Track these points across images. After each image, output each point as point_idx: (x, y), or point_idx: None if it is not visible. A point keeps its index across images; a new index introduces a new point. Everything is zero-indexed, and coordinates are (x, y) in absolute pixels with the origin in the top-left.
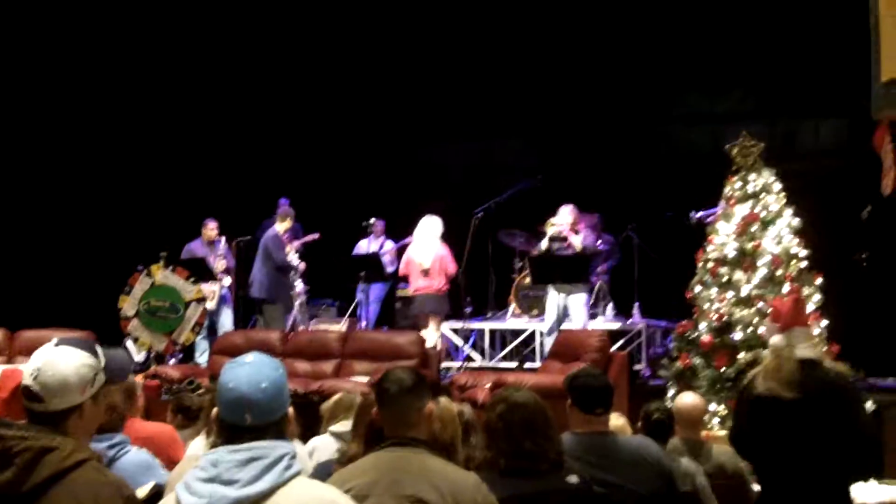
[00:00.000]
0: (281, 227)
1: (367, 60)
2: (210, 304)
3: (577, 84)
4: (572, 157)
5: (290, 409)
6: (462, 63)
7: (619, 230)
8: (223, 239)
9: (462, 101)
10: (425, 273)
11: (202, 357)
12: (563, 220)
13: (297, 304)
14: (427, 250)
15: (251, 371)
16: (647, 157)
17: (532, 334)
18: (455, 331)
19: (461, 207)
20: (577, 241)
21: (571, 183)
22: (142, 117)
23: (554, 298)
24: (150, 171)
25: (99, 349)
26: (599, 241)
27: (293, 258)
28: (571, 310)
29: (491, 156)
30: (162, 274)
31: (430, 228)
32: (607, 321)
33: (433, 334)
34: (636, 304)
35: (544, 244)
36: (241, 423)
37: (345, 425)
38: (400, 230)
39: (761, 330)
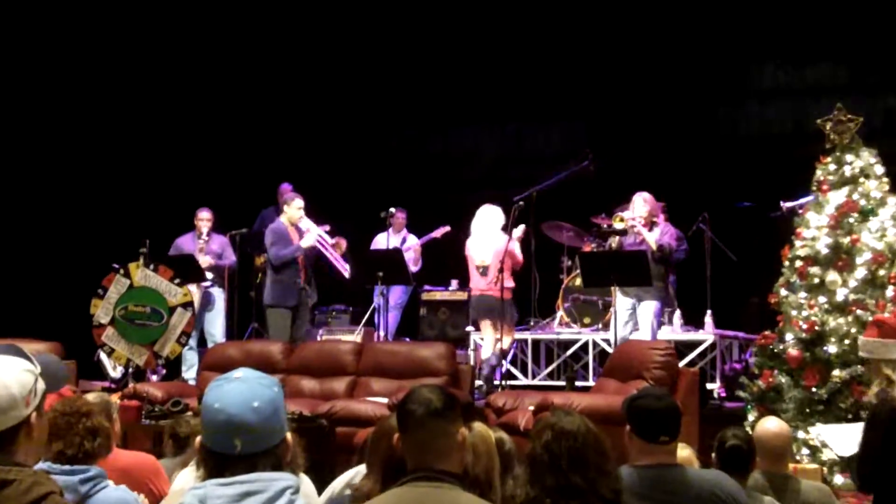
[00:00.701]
0: (290, 211)
1: (383, 28)
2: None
3: (632, 52)
4: (628, 138)
5: (289, 435)
6: (493, 30)
7: (688, 222)
8: (203, 232)
9: (493, 76)
10: (484, 272)
11: (190, 372)
12: (638, 211)
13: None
14: (486, 245)
15: (241, 389)
16: (719, 137)
17: (584, 346)
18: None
19: (496, 196)
20: (652, 238)
21: (628, 167)
22: (120, 92)
23: (623, 304)
24: (128, 154)
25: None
26: (681, 244)
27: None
28: (640, 319)
29: (529, 138)
30: (141, 273)
31: (488, 219)
32: (674, 331)
33: (489, 344)
34: (708, 312)
35: (614, 242)
36: (230, 450)
37: None
38: (425, 222)
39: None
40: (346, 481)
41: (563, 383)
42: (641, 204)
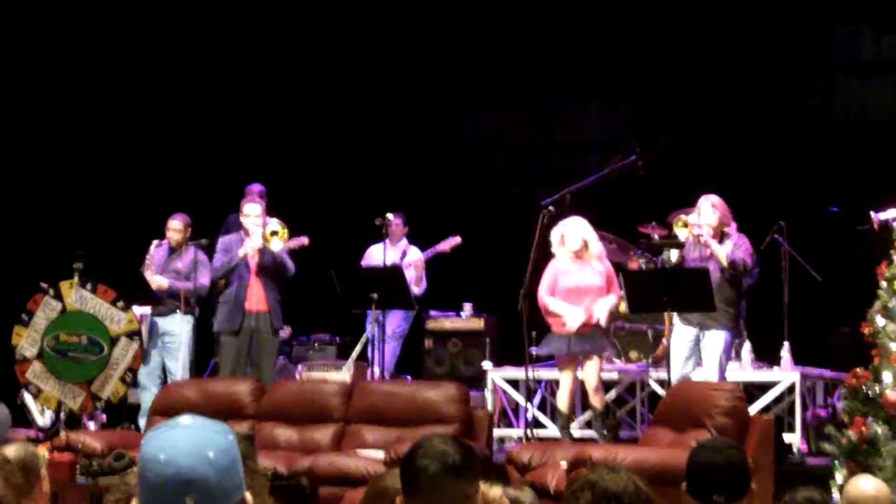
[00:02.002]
0: (241, 218)
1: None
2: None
3: (689, 13)
4: (686, 123)
5: (248, 496)
6: None
7: (759, 233)
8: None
9: (515, 41)
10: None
11: (142, 420)
12: (706, 219)
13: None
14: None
15: (192, 436)
16: (800, 123)
17: (630, 388)
18: (512, 382)
19: (520, 198)
20: (723, 252)
21: (686, 162)
22: (59, 83)
23: (683, 335)
24: (61, 149)
25: None
26: (754, 265)
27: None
28: (705, 353)
29: (560, 122)
30: (76, 295)
31: (583, 233)
32: (743, 369)
33: (591, 382)
34: (786, 345)
35: (673, 255)
36: None
37: None
38: (431, 231)
39: None
40: None
41: (604, 433)
42: (710, 210)
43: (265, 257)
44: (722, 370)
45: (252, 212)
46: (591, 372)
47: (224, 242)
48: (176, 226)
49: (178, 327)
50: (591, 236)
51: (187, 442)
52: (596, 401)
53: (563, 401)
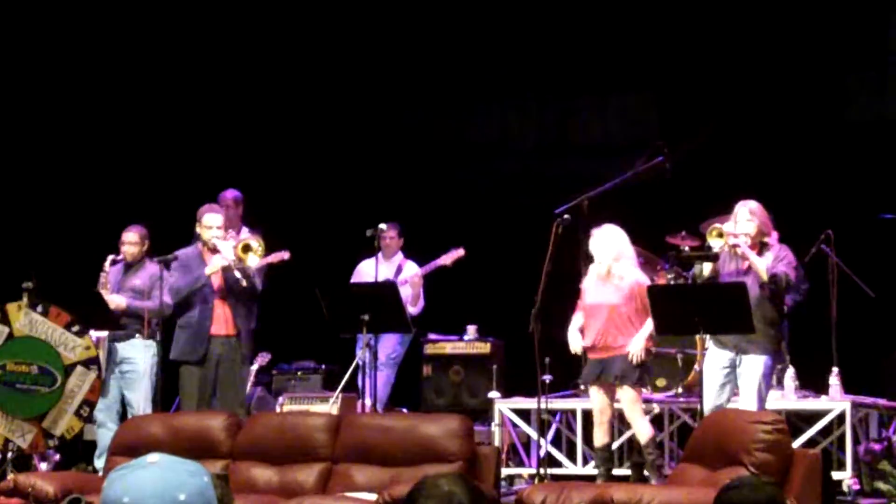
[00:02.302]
0: (201, 231)
1: None
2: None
3: (717, 2)
4: (718, 121)
5: None
6: None
7: (804, 243)
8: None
9: (527, 34)
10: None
11: (100, 460)
12: (743, 228)
13: (252, 368)
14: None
15: (159, 477)
16: (845, 121)
17: (657, 419)
18: (523, 414)
19: (531, 206)
20: (763, 265)
21: (719, 164)
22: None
23: (717, 360)
24: (11, 155)
25: None
26: (801, 280)
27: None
28: (742, 381)
29: (577, 120)
30: (25, 318)
31: (609, 244)
32: (786, 397)
33: (641, 423)
34: (834, 370)
35: (706, 269)
36: None
37: None
38: (429, 243)
39: None
40: None
41: (626, 472)
42: (747, 217)
43: (231, 277)
44: (761, 399)
45: (213, 223)
46: (622, 401)
47: (181, 258)
48: (131, 238)
49: (139, 354)
50: (621, 247)
51: (155, 483)
52: (638, 432)
53: (595, 435)
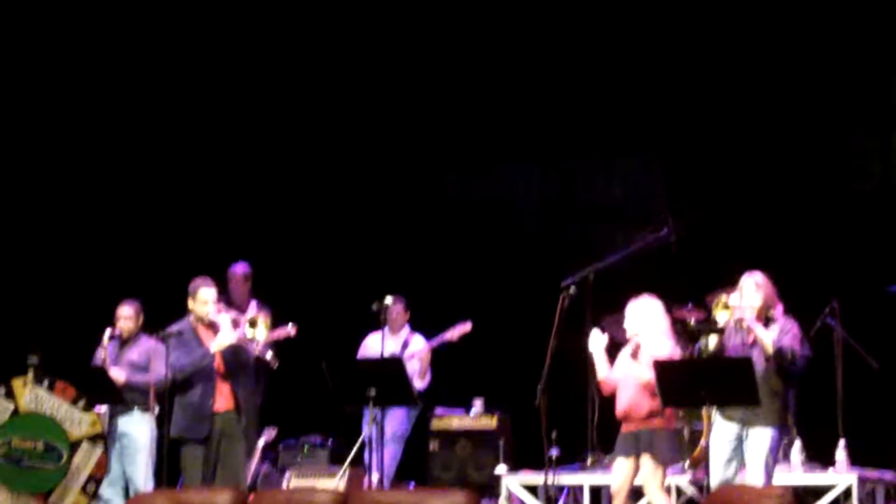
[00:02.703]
0: (196, 306)
1: (371, 23)
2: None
3: (727, 61)
4: (723, 188)
5: None
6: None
7: (809, 315)
8: (108, 336)
9: (533, 95)
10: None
11: None
12: (749, 300)
13: (258, 444)
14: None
15: None
16: (851, 190)
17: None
18: (531, 489)
19: (537, 275)
20: (769, 338)
21: (723, 238)
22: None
23: (724, 433)
24: (15, 228)
25: None
26: (805, 351)
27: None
28: (749, 454)
29: (583, 184)
30: (31, 395)
31: (646, 318)
32: (793, 471)
33: (659, 498)
34: (841, 442)
35: (711, 342)
36: None
37: None
38: (436, 317)
39: None
40: None
41: None
42: (753, 290)
43: (243, 356)
44: (769, 473)
45: (209, 297)
46: (643, 471)
47: (178, 339)
48: (127, 313)
49: (137, 427)
50: (652, 319)
51: None
52: None
53: None
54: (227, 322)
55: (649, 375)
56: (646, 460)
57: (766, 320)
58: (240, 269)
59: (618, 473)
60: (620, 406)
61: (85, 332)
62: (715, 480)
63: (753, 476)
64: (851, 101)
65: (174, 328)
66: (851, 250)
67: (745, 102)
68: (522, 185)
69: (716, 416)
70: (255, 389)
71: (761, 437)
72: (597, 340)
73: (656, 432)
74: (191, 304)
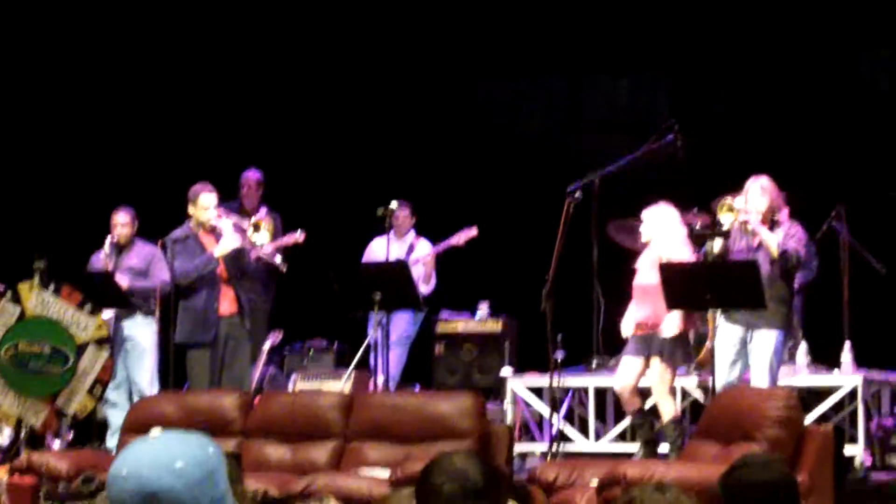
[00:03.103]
0: (197, 212)
1: None
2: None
3: None
4: (730, 97)
5: None
6: None
7: (816, 220)
8: (110, 242)
9: (537, 7)
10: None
11: (114, 439)
12: (754, 204)
13: (264, 347)
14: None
15: (158, 448)
16: (858, 96)
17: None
18: (536, 392)
19: (544, 184)
20: (774, 241)
21: (731, 141)
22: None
23: (728, 336)
24: (21, 137)
25: None
26: (811, 257)
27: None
28: (754, 356)
29: (588, 97)
30: (37, 298)
31: (660, 224)
32: (798, 373)
33: (666, 401)
34: (847, 345)
35: (716, 245)
36: None
37: None
38: (441, 222)
39: None
40: None
41: (639, 448)
42: (759, 193)
43: (244, 260)
44: (773, 375)
45: (210, 203)
46: (653, 375)
47: (181, 245)
48: (123, 219)
49: (140, 332)
50: (666, 227)
51: (152, 453)
52: (661, 410)
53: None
54: (229, 227)
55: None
56: (656, 363)
57: (772, 224)
58: (253, 175)
59: (625, 372)
60: (641, 313)
61: (90, 237)
62: (720, 382)
63: (758, 378)
64: (861, 12)
65: (176, 234)
66: (857, 156)
67: (754, 14)
68: (529, 97)
69: (720, 319)
70: (266, 294)
71: (765, 340)
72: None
73: (672, 337)
74: (191, 209)
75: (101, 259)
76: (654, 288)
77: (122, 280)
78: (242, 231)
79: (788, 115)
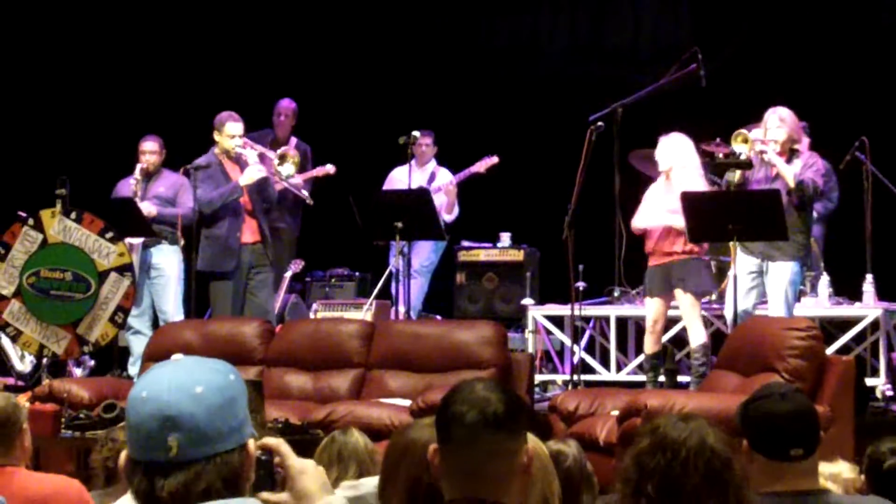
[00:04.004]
0: (222, 139)
1: None
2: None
3: None
4: (753, 27)
5: (251, 443)
6: None
7: (839, 151)
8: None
9: None
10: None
11: (135, 367)
12: (772, 134)
13: (286, 275)
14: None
15: (178, 372)
16: (882, 24)
17: None
18: (557, 321)
19: (566, 113)
20: (790, 173)
21: (753, 71)
22: None
23: (745, 266)
24: (41, 62)
25: None
26: (831, 188)
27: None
28: (770, 287)
29: (609, 26)
30: (59, 225)
31: (678, 154)
32: (819, 305)
33: (697, 326)
34: (868, 277)
35: (735, 175)
36: (162, 456)
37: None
38: (463, 151)
39: None
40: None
41: (660, 378)
42: (777, 124)
43: (269, 191)
44: (789, 306)
45: (236, 131)
46: (681, 304)
47: (204, 172)
48: (151, 147)
49: (166, 259)
50: (683, 155)
51: (172, 377)
52: (693, 338)
53: (646, 342)
54: (254, 157)
55: (680, 208)
56: (682, 295)
57: (791, 155)
58: (288, 104)
59: (651, 310)
60: (651, 241)
61: (113, 165)
62: (732, 311)
63: (774, 309)
64: None
65: (200, 161)
66: (881, 86)
67: None
68: (552, 26)
69: (738, 250)
70: (293, 223)
71: (781, 271)
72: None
73: (688, 262)
74: (216, 136)
75: (131, 186)
76: (665, 216)
77: (151, 208)
78: (268, 162)
79: (812, 45)
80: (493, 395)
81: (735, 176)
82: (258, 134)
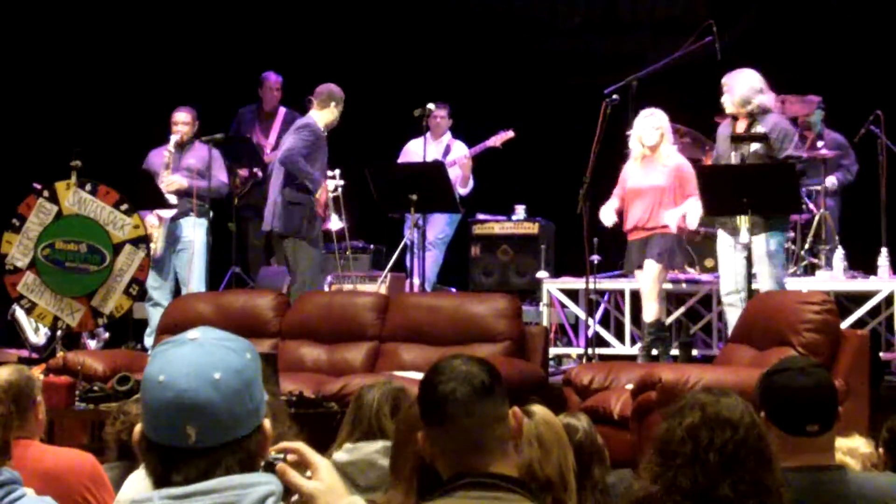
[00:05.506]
0: (323, 118)
1: None
2: (154, 247)
3: None
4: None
5: (268, 423)
6: None
7: (854, 123)
8: (174, 140)
9: None
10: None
11: (150, 338)
12: (727, 102)
13: None
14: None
15: (197, 354)
16: None
17: (705, 300)
18: (571, 294)
19: (580, 86)
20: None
21: (768, 47)
22: None
23: (724, 241)
24: (58, 31)
25: None
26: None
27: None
28: (755, 263)
29: (623, 5)
30: (74, 197)
31: (657, 126)
32: (835, 278)
33: (651, 303)
34: (883, 251)
35: (747, 151)
36: (181, 442)
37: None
38: (478, 124)
39: None
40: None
41: (674, 352)
42: (724, 92)
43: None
44: (777, 278)
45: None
46: (643, 278)
47: (318, 137)
48: (184, 118)
49: (192, 232)
50: (667, 130)
51: (190, 361)
52: (647, 313)
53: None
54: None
55: (665, 182)
56: (650, 266)
57: (753, 117)
58: (271, 77)
59: (642, 281)
60: (635, 216)
61: (127, 136)
62: (724, 289)
63: (763, 283)
64: None
65: (305, 123)
66: None
67: None
68: (566, 1)
69: (718, 229)
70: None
71: (758, 245)
72: (608, 217)
73: (665, 237)
74: (322, 108)
75: (164, 157)
76: (649, 189)
77: (182, 180)
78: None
79: (827, 18)
80: (474, 367)
81: (748, 151)
82: (246, 110)
